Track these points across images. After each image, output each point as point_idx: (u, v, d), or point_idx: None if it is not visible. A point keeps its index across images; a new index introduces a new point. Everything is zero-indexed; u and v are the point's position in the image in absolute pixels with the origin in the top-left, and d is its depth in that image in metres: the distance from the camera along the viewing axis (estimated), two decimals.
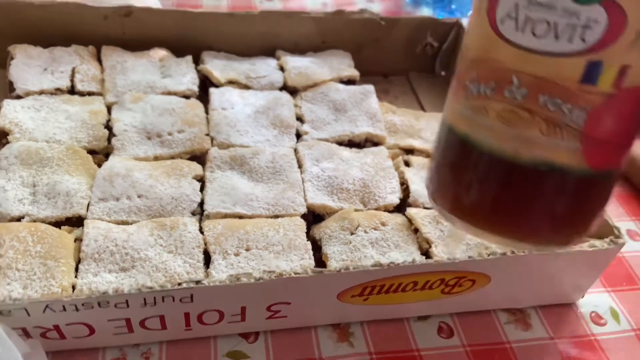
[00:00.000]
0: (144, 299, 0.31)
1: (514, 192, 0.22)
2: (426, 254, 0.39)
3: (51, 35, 0.50)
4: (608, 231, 0.38)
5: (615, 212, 0.49)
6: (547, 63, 0.20)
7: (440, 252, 0.39)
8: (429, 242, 0.40)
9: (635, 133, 0.21)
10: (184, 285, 0.31)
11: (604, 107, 0.20)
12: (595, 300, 0.41)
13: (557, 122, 0.20)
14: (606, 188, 0.23)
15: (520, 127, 0.21)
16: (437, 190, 0.25)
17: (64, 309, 0.30)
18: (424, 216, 0.41)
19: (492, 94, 0.21)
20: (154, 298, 0.31)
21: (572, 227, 0.23)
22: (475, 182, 0.23)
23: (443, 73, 0.61)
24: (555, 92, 0.20)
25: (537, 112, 0.20)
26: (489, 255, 0.35)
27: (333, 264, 0.37)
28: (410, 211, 0.41)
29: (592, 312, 0.41)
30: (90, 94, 0.48)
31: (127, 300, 0.30)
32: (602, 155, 0.21)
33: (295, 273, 0.32)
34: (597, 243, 0.37)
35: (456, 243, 0.40)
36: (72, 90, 0.48)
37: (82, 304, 0.30)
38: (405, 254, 0.39)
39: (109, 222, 0.37)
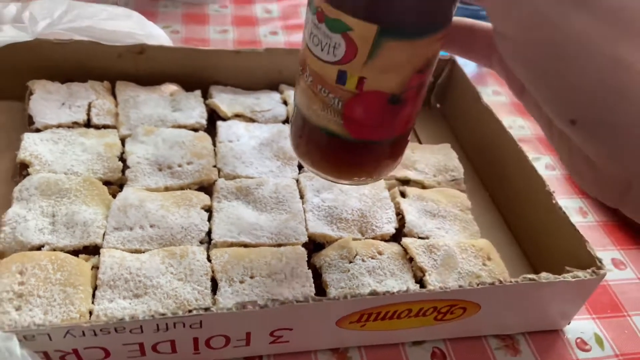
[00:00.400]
0: (157, 325, 0.33)
1: (316, 144, 0.32)
2: (420, 281, 0.42)
3: (68, 71, 0.53)
4: (591, 262, 0.40)
5: (601, 241, 0.51)
6: (319, 64, 0.28)
7: (433, 281, 0.41)
8: (422, 271, 0.42)
9: (382, 119, 0.30)
10: (194, 312, 0.33)
11: (353, 100, 0.29)
12: (580, 326, 0.44)
13: (327, 104, 0.29)
14: (374, 151, 0.32)
15: (310, 101, 0.30)
16: (290, 135, 0.36)
17: (83, 334, 0.32)
18: (419, 246, 0.43)
19: (300, 74, 0.30)
20: (166, 324, 0.33)
21: (356, 173, 0.33)
22: (297, 134, 0.34)
23: (438, 105, 0.64)
24: (325, 84, 0.29)
25: (317, 94, 0.29)
26: (478, 285, 0.37)
27: (332, 292, 0.40)
28: (406, 241, 0.44)
29: (578, 338, 0.43)
30: (105, 127, 0.50)
31: (141, 326, 0.33)
32: (360, 130, 0.30)
33: (297, 301, 0.35)
34: (580, 274, 0.39)
35: (448, 272, 0.42)
36: (88, 123, 0.51)
37: (100, 330, 0.32)
38: (400, 282, 0.41)
39: (123, 250, 0.40)
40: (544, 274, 0.39)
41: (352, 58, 0.27)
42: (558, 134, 0.27)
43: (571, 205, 0.55)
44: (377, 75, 0.28)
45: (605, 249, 0.51)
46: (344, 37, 0.26)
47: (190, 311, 0.33)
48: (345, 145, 0.31)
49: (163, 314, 0.33)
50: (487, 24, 0.31)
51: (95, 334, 0.32)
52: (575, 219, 0.54)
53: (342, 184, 0.35)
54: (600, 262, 0.40)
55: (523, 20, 0.24)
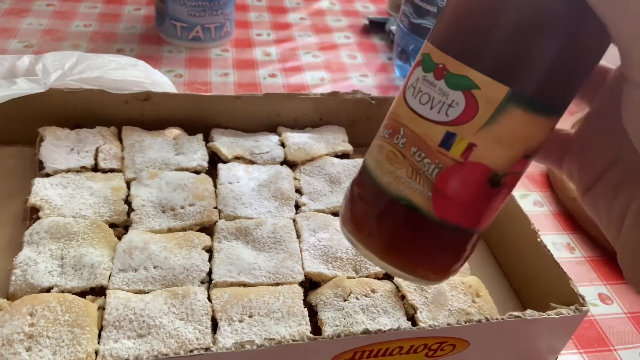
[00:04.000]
0: None
1: (386, 218, 0.27)
2: (412, 319, 0.44)
3: (78, 118, 0.56)
4: (574, 299, 0.42)
5: (588, 276, 0.53)
6: (422, 124, 0.26)
7: (424, 318, 0.43)
8: (414, 308, 0.44)
9: (475, 201, 0.27)
10: (195, 352, 0.35)
11: (452, 170, 0.25)
12: None
13: (418, 170, 0.26)
14: (458, 242, 0.28)
15: (395, 166, 0.27)
16: (342, 212, 0.30)
17: None
18: (410, 284, 0.45)
19: (387, 138, 0.27)
20: None
21: (425, 264, 0.28)
22: (361, 206, 0.28)
23: None
24: (423, 147, 0.26)
25: (408, 158, 0.26)
26: (465, 322, 0.39)
27: (327, 330, 0.42)
28: (398, 279, 0.46)
29: None
30: (111, 170, 0.53)
31: None
32: (447, 209, 0.26)
33: (293, 340, 0.37)
34: (564, 311, 0.41)
35: (439, 309, 0.44)
36: (95, 168, 0.53)
37: None
38: (393, 320, 0.43)
39: (128, 291, 0.42)
40: (529, 311, 0.40)
41: (468, 120, 0.25)
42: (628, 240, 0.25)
43: (559, 241, 0.57)
44: (488, 144, 0.25)
45: (592, 284, 0.53)
46: (466, 95, 0.24)
47: (191, 351, 0.35)
48: (422, 225, 0.27)
49: (165, 354, 0.35)
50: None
51: None
52: (563, 254, 0.55)
53: (399, 276, 0.29)
54: (583, 299, 0.42)
55: None
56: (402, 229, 0.27)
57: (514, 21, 0.23)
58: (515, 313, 0.40)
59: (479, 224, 0.27)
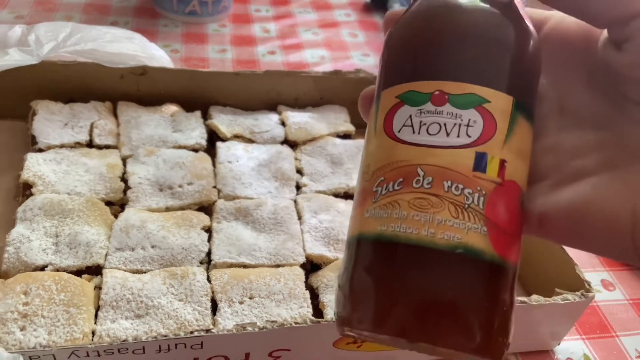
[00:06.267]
0: (159, 346, 0.34)
1: (436, 282, 0.22)
2: None
3: (72, 91, 0.54)
4: (579, 284, 0.42)
5: (591, 262, 0.53)
6: (445, 154, 0.23)
7: None
8: None
9: (520, 226, 0.24)
10: (195, 333, 0.34)
11: (496, 193, 0.23)
12: (570, 347, 0.45)
13: (462, 205, 0.22)
14: (510, 284, 0.23)
15: (432, 211, 0.22)
16: (354, 310, 0.24)
17: (88, 354, 0.33)
18: None
19: (399, 189, 0.23)
20: (168, 345, 0.34)
21: (503, 331, 0.23)
22: (397, 281, 0.22)
23: None
24: (456, 178, 0.22)
25: (443, 197, 0.22)
26: None
27: (330, 313, 0.41)
28: None
29: (568, 358, 0.44)
30: (107, 147, 0.51)
31: (143, 347, 0.34)
32: (504, 243, 0.23)
33: (296, 323, 0.36)
34: (570, 296, 0.40)
35: None
36: (90, 144, 0.51)
37: (104, 351, 0.33)
38: None
39: (125, 271, 0.41)
40: (534, 297, 0.40)
41: (492, 135, 0.23)
42: None
43: None
44: (514, 159, 0.23)
45: (594, 269, 0.52)
46: (480, 111, 0.23)
47: (191, 332, 0.34)
48: (486, 272, 0.22)
49: (165, 335, 0.34)
50: None
51: (99, 355, 0.33)
52: None
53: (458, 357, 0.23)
54: (589, 284, 0.41)
55: None
56: (466, 286, 0.22)
57: (507, 42, 0.24)
58: (521, 298, 0.40)
59: (519, 257, 0.24)
